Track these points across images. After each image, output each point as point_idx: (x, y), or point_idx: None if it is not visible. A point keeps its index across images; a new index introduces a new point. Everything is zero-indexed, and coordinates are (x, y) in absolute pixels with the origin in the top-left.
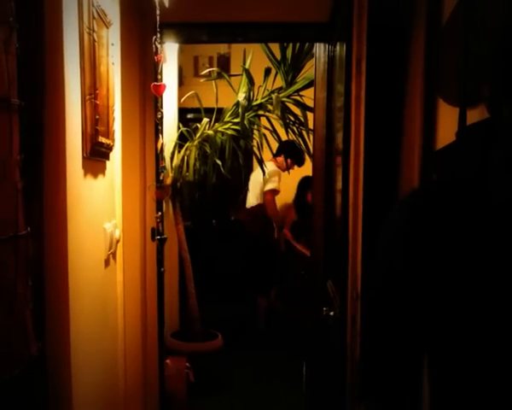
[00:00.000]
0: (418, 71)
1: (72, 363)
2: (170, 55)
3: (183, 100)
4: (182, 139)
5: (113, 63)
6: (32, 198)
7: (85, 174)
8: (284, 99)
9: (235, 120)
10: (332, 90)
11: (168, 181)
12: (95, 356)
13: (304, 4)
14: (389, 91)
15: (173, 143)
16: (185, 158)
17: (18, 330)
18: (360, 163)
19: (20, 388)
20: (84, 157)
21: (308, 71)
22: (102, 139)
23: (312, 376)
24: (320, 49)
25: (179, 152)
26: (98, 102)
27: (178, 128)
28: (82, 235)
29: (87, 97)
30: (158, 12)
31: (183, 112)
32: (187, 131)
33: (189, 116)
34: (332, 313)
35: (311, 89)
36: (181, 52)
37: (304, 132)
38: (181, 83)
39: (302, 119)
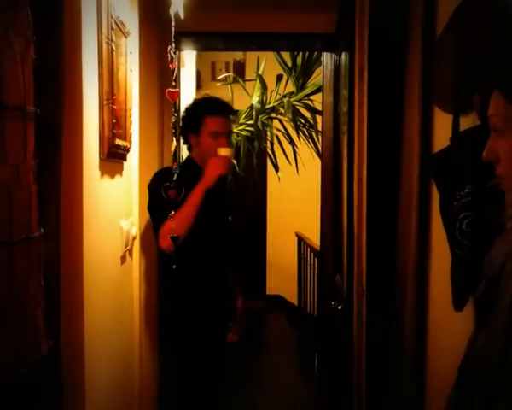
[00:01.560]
0: (416, 80)
1: (86, 360)
2: (188, 61)
3: None
4: None
5: (131, 70)
6: (48, 200)
7: (102, 175)
8: (295, 103)
9: (250, 122)
10: (338, 95)
11: None
12: (109, 353)
13: (312, 17)
14: (389, 98)
15: None
16: None
17: (28, 328)
18: (363, 165)
19: (32, 386)
20: (101, 159)
21: (317, 77)
22: (119, 141)
23: (323, 367)
24: (327, 58)
25: None
26: (115, 107)
27: None
28: (98, 233)
29: (105, 102)
30: (173, 23)
31: None
32: None
33: None
34: (340, 307)
35: (320, 94)
36: (199, 58)
37: (313, 134)
38: (199, 86)
39: (312, 121)
